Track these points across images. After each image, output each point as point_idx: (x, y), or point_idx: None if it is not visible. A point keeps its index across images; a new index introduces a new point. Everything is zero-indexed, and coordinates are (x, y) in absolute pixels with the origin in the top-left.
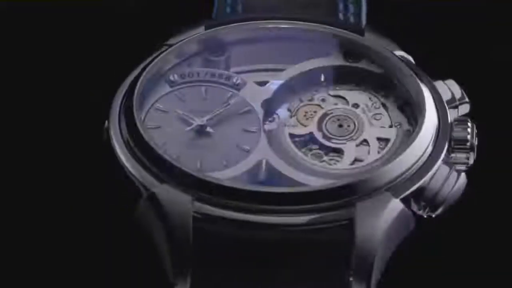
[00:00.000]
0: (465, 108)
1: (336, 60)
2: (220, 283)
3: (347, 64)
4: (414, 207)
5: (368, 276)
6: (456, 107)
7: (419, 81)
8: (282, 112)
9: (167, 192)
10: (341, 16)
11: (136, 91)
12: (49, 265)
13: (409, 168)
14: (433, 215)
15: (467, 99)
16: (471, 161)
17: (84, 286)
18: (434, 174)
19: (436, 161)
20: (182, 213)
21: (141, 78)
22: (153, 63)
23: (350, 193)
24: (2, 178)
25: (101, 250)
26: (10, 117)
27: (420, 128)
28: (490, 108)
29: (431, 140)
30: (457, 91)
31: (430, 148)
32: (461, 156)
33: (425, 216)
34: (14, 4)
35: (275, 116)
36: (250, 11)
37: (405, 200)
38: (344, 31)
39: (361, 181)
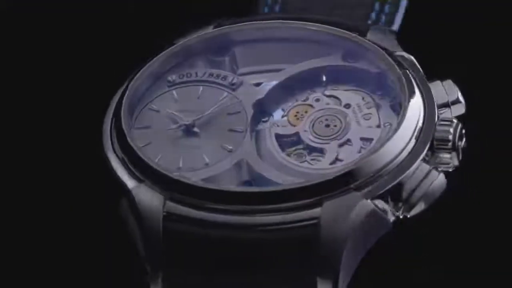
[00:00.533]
0: (459, 109)
1: (334, 60)
2: (190, 283)
3: (345, 64)
4: (391, 207)
5: (334, 275)
6: (447, 106)
7: (404, 81)
8: (277, 112)
9: (141, 192)
10: (373, 15)
11: (127, 92)
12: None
13: (382, 168)
14: (408, 216)
15: (461, 100)
16: (455, 162)
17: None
18: (412, 173)
19: (414, 161)
20: (153, 213)
21: (136, 77)
22: (150, 63)
23: (318, 193)
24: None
25: (89, 247)
26: (9, 117)
27: (397, 129)
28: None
29: (410, 140)
30: (453, 91)
31: (408, 148)
32: (443, 156)
33: (400, 217)
34: (14, 4)
35: (269, 116)
36: (287, 11)
37: (380, 200)
38: (344, 31)
39: (329, 180)
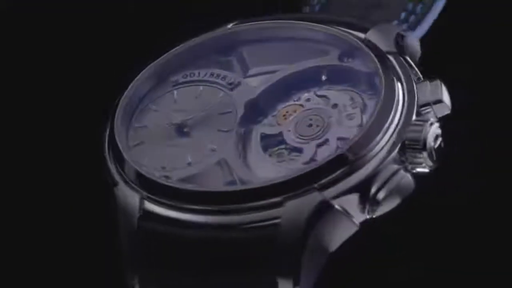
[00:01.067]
0: (443, 109)
1: (330, 60)
2: (165, 283)
3: (342, 64)
4: (358, 207)
5: (295, 275)
6: (428, 106)
7: (383, 81)
8: (270, 111)
9: (120, 191)
10: (403, 15)
11: (127, 91)
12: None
13: (347, 167)
14: (374, 216)
15: (443, 100)
16: (428, 162)
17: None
18: (378, 173)
19: (381, 160)
20: (130, 212)
21: (137, 78)
22: (154, 62)
23: (281, 192)
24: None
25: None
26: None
27: (365, 128)
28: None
29: (379, 139)
30: (437, 92)
31: (377, 148)
32: (415, 156)
33: (367, 217)
34: (14, 4)
35: (264, 116)
36: (329, 11)
37: (345, 199)
38: (341, 30)
39: (291, 180)
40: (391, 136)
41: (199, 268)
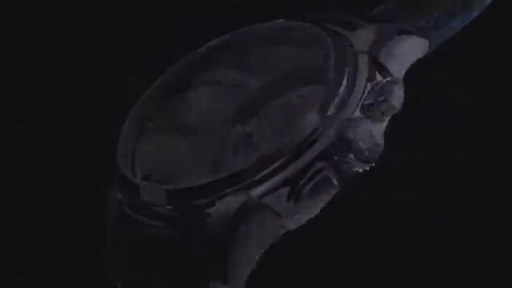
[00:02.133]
0: (390, 109)
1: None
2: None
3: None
4: (287, 207)
5: (223, 277)
6: (372, 105)
7: (332, 77)
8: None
9: (111, 192)
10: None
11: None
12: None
13: (274, 165)
14: (303, 220)
15: (389, 101)
16: (358, 164)
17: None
18: (304, 173)
19: (310, 158)
20: (110, 212)
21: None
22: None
23: (212, 193)
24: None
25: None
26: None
27: (295, 128)
28: None
29: (306, 139)
30: (384, 91)
31: (305, 147)
32: (343, 156)
33: (294, 217)
34: (14, 4)
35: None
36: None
37: (274, 199)
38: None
39: (219, 180)
40: (323, 133)
41: (150, 269)
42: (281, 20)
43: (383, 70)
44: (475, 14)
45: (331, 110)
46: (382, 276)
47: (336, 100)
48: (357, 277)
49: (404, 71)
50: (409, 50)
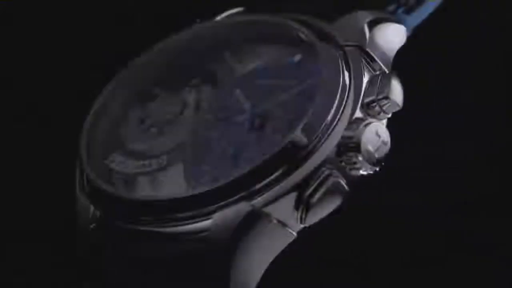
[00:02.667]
0: (391, 107)
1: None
2: None
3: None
4: (292, 214)
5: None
6: (373, 103)
7: (324, 78)
8: None
9: (81, 201)
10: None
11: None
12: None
13: (277, 173)
14: (306, 225)
15: (390, 97)
16: (365, 166)
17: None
18: (311, 176)
19: (315, 163)
20: (83, 222)
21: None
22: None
23: (211, 202)
24: None
25: None
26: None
27: (294, 133)
28: None
29: (310, 142)
30: (385, 88)
31: (311, 150)
32: (350, 159)
33: (301, 226)
34: (14, 4)
35: None
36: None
37: (277, 208)
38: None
39: (219, 189)
40: (328, 136)
41: (135, 284)
42: (257, 15)
43: (374, 62)
44: None
45: (331, 113)
46: (382, 276)
47: (336, 101)
48: (357, 277)
49: (391, 62)
50: (390, 39)
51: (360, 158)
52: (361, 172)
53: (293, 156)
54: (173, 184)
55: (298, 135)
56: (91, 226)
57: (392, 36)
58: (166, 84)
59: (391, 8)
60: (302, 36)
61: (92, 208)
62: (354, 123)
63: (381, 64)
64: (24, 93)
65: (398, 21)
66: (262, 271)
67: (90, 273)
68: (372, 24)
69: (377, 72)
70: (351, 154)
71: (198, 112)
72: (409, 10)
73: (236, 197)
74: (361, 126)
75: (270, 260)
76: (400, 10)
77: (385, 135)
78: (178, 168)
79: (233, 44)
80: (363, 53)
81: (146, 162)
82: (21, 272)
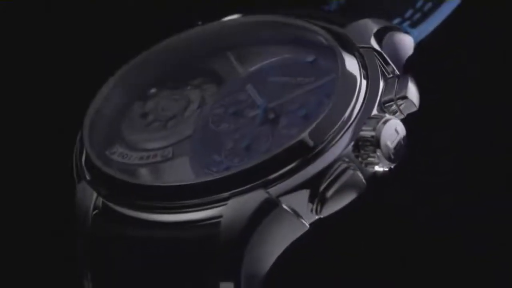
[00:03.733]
0: (409, 106)
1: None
2: (115, 282)
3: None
4: (307, 206)
5: (236, 278)
6: (391, 102)
7: (341, 75)
8: None
9: (82, 188)
10: (410, 12)
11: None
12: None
13: (294, 163)
14: (321, 216)
15: (408, 96)
16: (383, 162)
17: None
18: (328, 170)
19: (332, 157)
20: (85, 210)
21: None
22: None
23: (225, 189)
24: None
25: None
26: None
27: (313, 124)
28: None
29: (328, 135)
30: (403, 88)
31: (328, 145)
32: (367, 154)
33: (316, 217)
34: (14, 4)
35: None
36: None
37: (292, 198)
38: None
39: (235, 175)
40: (345, 131)
41: (142, 270)
42: (274, 15)
43: (388, 65)
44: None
45: (349, 109)
46: (382, 276)
47: (354, 98)
48: (357, 276)
49: (402, 68)
50: (401, 46)
51: (379, 154)
52: (377, 168)
53: (307, 151)
54: (180, 174)
55: (306, 137)
56: (93, 213)
57: (402, 43)
58: (166, 83)
59: (396, 21)
60: (318, 36)
61: (94, 196)
62: (373, 118)
63: (394, 68)
64: (24, 93)
65: (407, 30)
66: (273, 260)
67: (92, 263)
68: (382, 31)
69: (391, 75)
70: (369, 149)
71: (204, 108)
72: (414, 25)
73: (252, 185)
74: (381, 122)
75: (282, 250)
76: (405, 24)
77: (403, 133)
78: (185, 160)
79: (238, 45)
80: (378, 55)
81: (150, 153)
82: (21, 272)
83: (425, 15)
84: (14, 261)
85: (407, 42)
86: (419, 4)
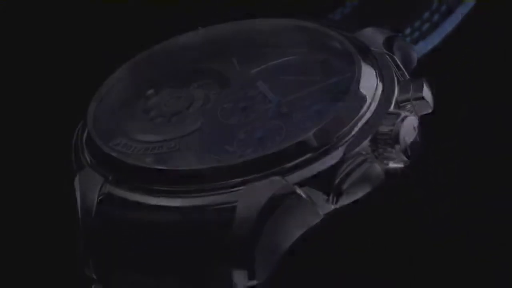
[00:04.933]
0: (424, 107)
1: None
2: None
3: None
4: (322, 196)
5: (249, 265)
6: (407, 101)
7: (358, 71)
8: None
9: (85, 175)
10: (418, 23)
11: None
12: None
13: (311, 154)
14: (337, 206)
15: (424, 97)
16: (401, 158)
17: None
18: (344, 162)
19: (348, 150)
20: (90, 195)
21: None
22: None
23: (240, 174)
24: None
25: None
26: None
27: (330, 117)
28: None
29: (347, 129)
30: (418, 89)
31: (345, 137)
32: (385, 150)
33: (332, 207)
34: (13, 4)
35: None
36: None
37: (307, 187)
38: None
39: (252, 161)
40: (362, 126)
41: (153, 256)
42: (291, 19)
43: (400, 70)
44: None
45: (364, 106)
46: (382, 276)
47: (374, 92)
48: (356, 277)
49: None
50: (410, 53)
51: (397, 149)
52: (392, 164)
53: (324, 142)
54: (190, 162)
55: (323, 128)
56: (99, 198)
57: (409, 53)
58: (169, 82)
59: (407, 31)
60: (331, 39)
61: (100, 182)
62: (392, 114)
63: (405, 72)
64: (24, 93)
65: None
66: (286, 248)
67: (95, 250)
68: (391, 39)
69: (403, 79)
70: (387, 143)
71: (210, 104)
72: (423, 35)
73: (269, 171)
74: (400, 118)
75: (296, 237)
76: (415, 35)
77: (419, 132)
78: (193, 151)
79: (242, 47)
80: (391, 59)
81: (156, 145)
82: (21, 272)
83: (431, 28)
84: (14, 261)
85: (412, 53)
86: (425, 15)
